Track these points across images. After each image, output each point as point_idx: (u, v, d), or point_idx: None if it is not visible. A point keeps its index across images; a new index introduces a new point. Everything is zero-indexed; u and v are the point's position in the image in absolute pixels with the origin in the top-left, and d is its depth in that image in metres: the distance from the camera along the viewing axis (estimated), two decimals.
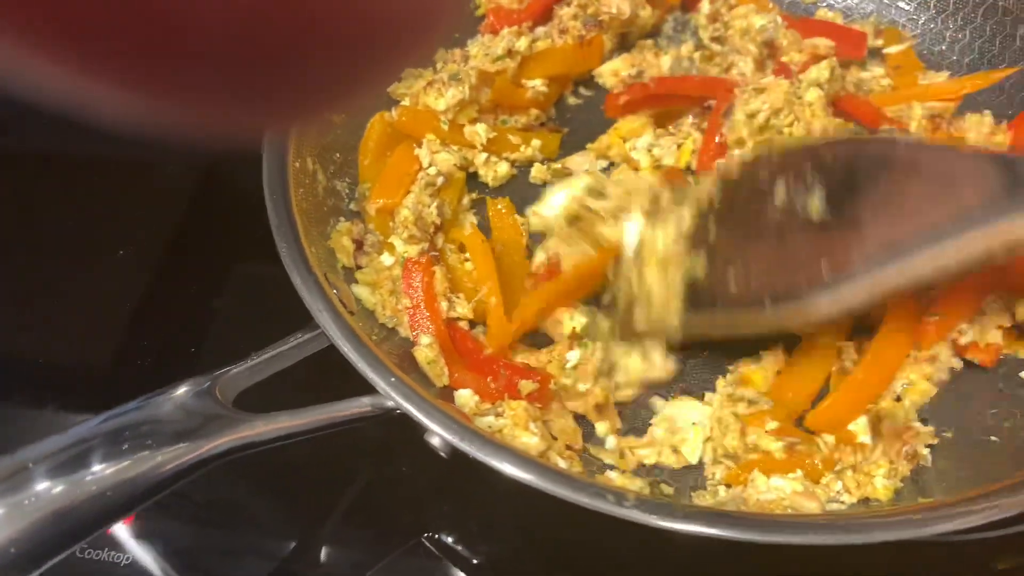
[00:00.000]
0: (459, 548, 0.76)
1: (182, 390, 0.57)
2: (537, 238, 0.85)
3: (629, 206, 0.83)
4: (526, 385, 0.68)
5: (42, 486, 0.51)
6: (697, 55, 0.97)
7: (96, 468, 0.52)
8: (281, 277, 0.90)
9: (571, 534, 0.74)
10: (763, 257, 0.71)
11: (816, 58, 0.93)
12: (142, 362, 0.87)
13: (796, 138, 0.81)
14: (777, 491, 0.64)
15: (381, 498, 0.79)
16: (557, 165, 0.93)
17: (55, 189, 1.02)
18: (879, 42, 0.98)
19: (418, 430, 0.67)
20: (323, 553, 0.75)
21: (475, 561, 0.76)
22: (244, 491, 0.77)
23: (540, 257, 0.83)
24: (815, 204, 0.69)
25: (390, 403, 0.61)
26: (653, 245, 0.73)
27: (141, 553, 0.71)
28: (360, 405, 0.62)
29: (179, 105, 0.18)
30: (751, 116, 0.82)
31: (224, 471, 0.76)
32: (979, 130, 0.87)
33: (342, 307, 0.67)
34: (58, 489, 0.50)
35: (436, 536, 0.76)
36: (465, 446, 0.58)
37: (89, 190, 1.02)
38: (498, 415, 0.66)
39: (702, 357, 0.78)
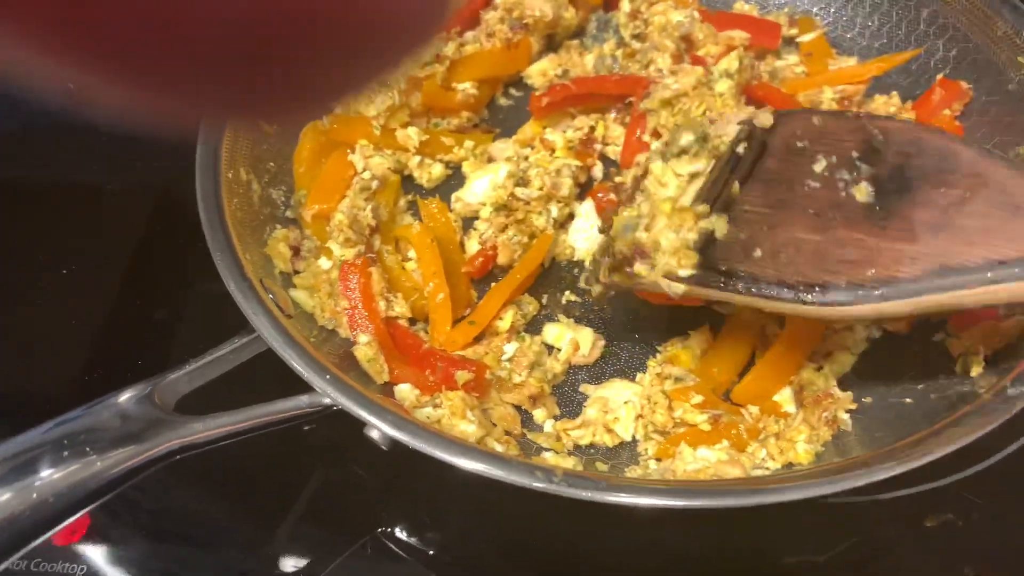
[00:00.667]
0: (412, 541, 0.78)
1: (124, 396, 0.59)
2: (466, 225, 0.89)
3: (556, 192, 0.87)
4: (462, 375, 0.70)
5: None
6: (619, 52, 1.01)
7: (43, 474, 0.53)
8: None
9: (522, 520, 0.76)
10: (796, 237, 0.64)
11: (732, 50, 0.97)
12: (90, 379, 0.88)
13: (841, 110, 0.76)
14: (703, 461, 0.67)
15: (333, 498, 0.81)
16: (479, 150, 0.96)
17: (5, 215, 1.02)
18: (794, 31, 1.03)
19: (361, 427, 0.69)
20: (278, 556, 0.76)
21: (430, 552, 0.78)
22: (196, 497, 0.78)
23: (474, 248, 0.86)
24: (862, 190, 0.64)
25: (327, 400, 0.63)
26: (665, 183, 0.68)
27: (97, 564, 0.72)
28: (298, 403, 0.64)
29: (178, 100, 0.18)
30: (665, 103, 0.86)
31: (175, 477, 0.78)
32: (886, 110, 0.91)
33: (278, 311, 0.69)
34: (4, 497, 0.52)
35: (389, 530, 0.78)
36: (400, 435, 0.60)
37: (38, 215, 1.02)
38: (436, 406, 0.69)
39: (633, 339, 0.81)
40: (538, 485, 0.57)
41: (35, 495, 0.52)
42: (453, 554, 0.78)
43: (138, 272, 0.96)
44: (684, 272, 0.65)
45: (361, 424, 0.72)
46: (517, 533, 0.78)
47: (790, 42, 1.02)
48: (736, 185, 0.67)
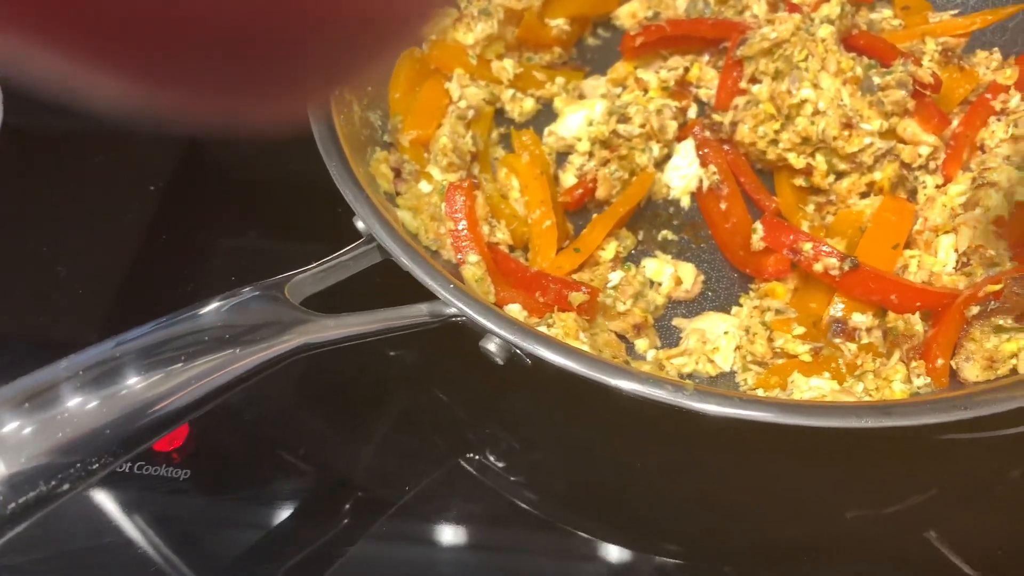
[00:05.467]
0: (500, 466, 0.78)
1: (255, 293, 0.58)
2: (557, 159, 0.89)
3: (660, 133, 0.86)
4: (576, 296, 0.70)
5: (75, 401, 0.51)
6: None
7: (130, 381, 0.52)
8: (264, 250, 0.90)
9: (610, 453, 0.76)
10: None
11: None
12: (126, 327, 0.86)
13: None
14: (817, 390, 0.67)
15: (421, 420, 0.81)
16: (570, 86, 0.95)
17: (32, 163, 1.00)
18: None
19: (454, 353, 0.68)
20: (371, 471, 0.76)
21: (513, 479, 0.78)
22: (290, 409, 0.78)
23: (570, 180, 0.86)
24: None
25: (450, 310, 0.63)
26: None
27: (200, 468, 0.72)
28: (419, 311, 0.63)
29: (172, 92, 0.18)
30: (764, 52, 0.85)
31: (273, 387, 0.78)
32: (988, 65, 0.90)
33: (397, 224, 0.68)
34: (151, 379, 0.51)
35: (476, 457, 0.78)
36: (530, 345, 0.59)
37: (67, 164, 1.01)
38: (549, 326, 0.68)
39: (728, 276, 0.81)
40: (668, 397, 0.57)
41: (181, 379, 0.52)
42: (542, 484, 0.78)
43: (165, 216, 0.95)
44: None
45: (447, 349, 0.72)
46: (607, 467, 0.78)
47: None
48: None
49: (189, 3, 0.16)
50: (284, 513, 0.71)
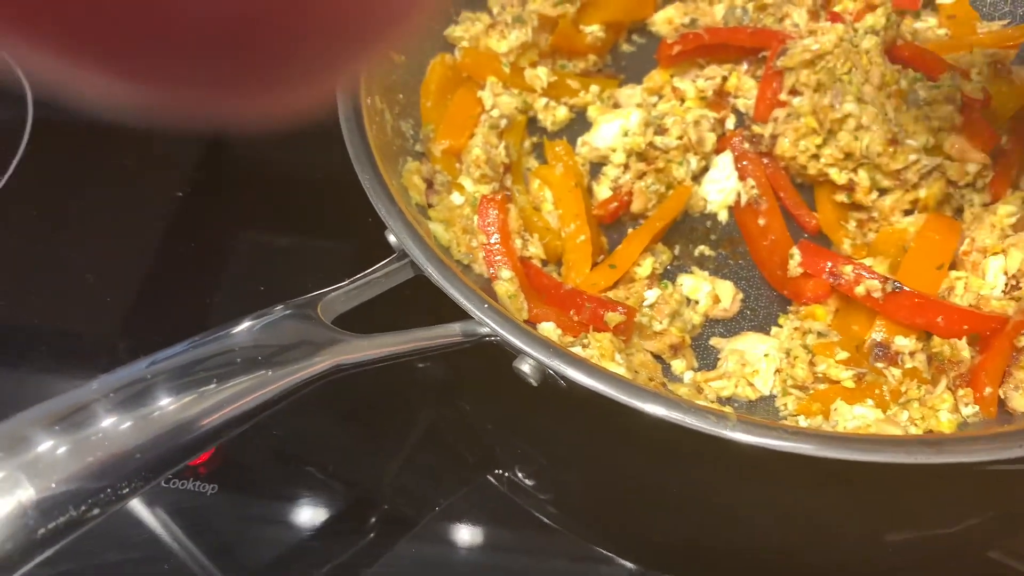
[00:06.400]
0: (530, 484, 0.76)
1: (286, 312, 0.57)
2: (593, 171, 0.87)
3: (699, 145, 0.84)
4: (613, 317, 0.68)
5: (109, 421, 0.50)
6: (751, 4, 0.97)
7: (162, 402, 0.51)
8: (287, 246, 0.89)
9: (642, 473, 0.75)
10: None
11: (870, 7, 0.93)
12: (150, 329, 0.86)
13: None
14: (861, 419, 0.65)
15: (449, 436, 0.80)
16: (605, 95, 0.93)
17: (53, 155, 0.99)
18: None
19: (483, 368, 0.67)
20: (398, 487, 0.75)
21: (542, 497, 0.77)
22: (316, 422, 0.77)
23: (604, 192, 0.84)
24: None
25: (483, 329, 0.61)
26: None
27: (228, 483, 0.71)
28: (452, 331, 0.62)
29: (163, 91, 0.18)
30: (805, 63, 0.83)
31: (301, 404, 0.77)
32: None
33: (429, 239, 0.67)
34: (126, 424, 0.50)
35: (505, 474, 0.77)
36: (566, 370, 0.58)
37: (89, 156, 1.00)
38: (584, 346, 0.67)
39: (767, 295, 0.79)
40: (711, 429, 0.55)
41: (215, 400, 0.51)
42: (572, 503, 0.77)
43: (191, 220, 0.94)
44: None
45: (476, 364, 0.70)
46: (637, 487, 0.76)
47: (929, 3, 0.99)
48: None
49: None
50: (310, 529, 0.70)
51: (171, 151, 0.99)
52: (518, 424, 0.79)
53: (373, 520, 0.72)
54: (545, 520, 0.74)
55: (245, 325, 0.55)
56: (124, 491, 0.48)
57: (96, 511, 0.47)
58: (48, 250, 0.91)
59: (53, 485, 0.47)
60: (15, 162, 0.95)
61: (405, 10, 0.19)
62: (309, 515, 0.71)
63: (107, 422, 0.49)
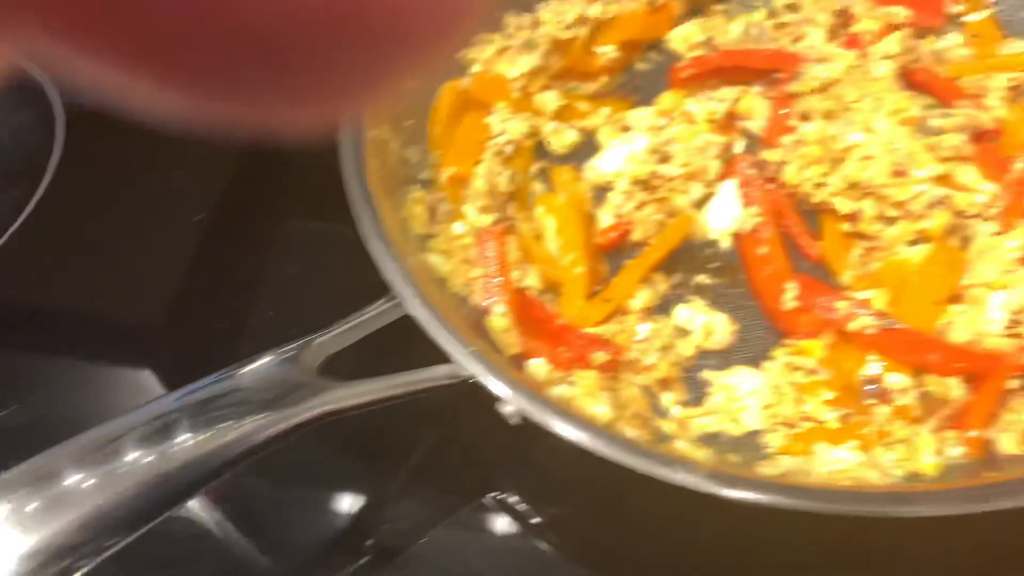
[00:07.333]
0: (525, 509, 0.79)
1: (268, 359, 0.61)
2: (597, 194, 0.88)
3: (701, 173, 0.85)
4: (599, 356, 0.70)
5: (134, 455, 0.55)
6: (769, 23, 0.96)
7: (181, 438, 0.56)
8: (332, 234, 0.92)
9: (636, 498, 0.76)
10: None
11: (891, 27, 0.91)
12: (193, 318, 0.92)
13: None
14: (841, 463, 0.66)
15: (446, 459, 0.82)
16: (615, 117, 0.94)
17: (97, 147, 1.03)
18: (959, 8, 0.96)
19: (483, 396, 0.69)
20: (393, 510, 0.79)
21: (537, 520, 0.79)
22: (318, 452, 0.81)
23: (606, 220, 0.85)
24: None
25: (465, 372, 0.64)
26: None
27: (226, 511, 0.75)
28: (436, 374, 0.65)
29: (206, 99, 0.18)
30: (816, 89, 0.82)
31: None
32: None
33: (419, 278, 0.69)
34: (148, 459, 0.54)
35: (502, 496, 0.79)
36: (541, 418, 0.60)
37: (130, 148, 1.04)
38: (570, 384, 0.69)
39: (761, 327, 0.79)
40: (679, 479, 0.57)
41: (183, 456, 0.54)
42: (564, 529, 0.79)
43: (227, 212, 0.98)
44: None
45: (477, 390, 0.73)
46: (632, 513, 0.78)
47: (954, 20, 0.96)
48: None
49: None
50: (302, 553, 0.74)
51: (190, 181, 1.03)
52: (513, 450, 0.81)
53: (368, 543, 0.75)
54: (539, 545, 0.77)
55: (229, 374, 0.58)
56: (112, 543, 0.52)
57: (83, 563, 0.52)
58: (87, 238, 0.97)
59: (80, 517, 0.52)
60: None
61: (454, 19, 0.19)
62: (299, 540, 0.74)
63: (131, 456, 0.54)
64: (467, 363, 0.63)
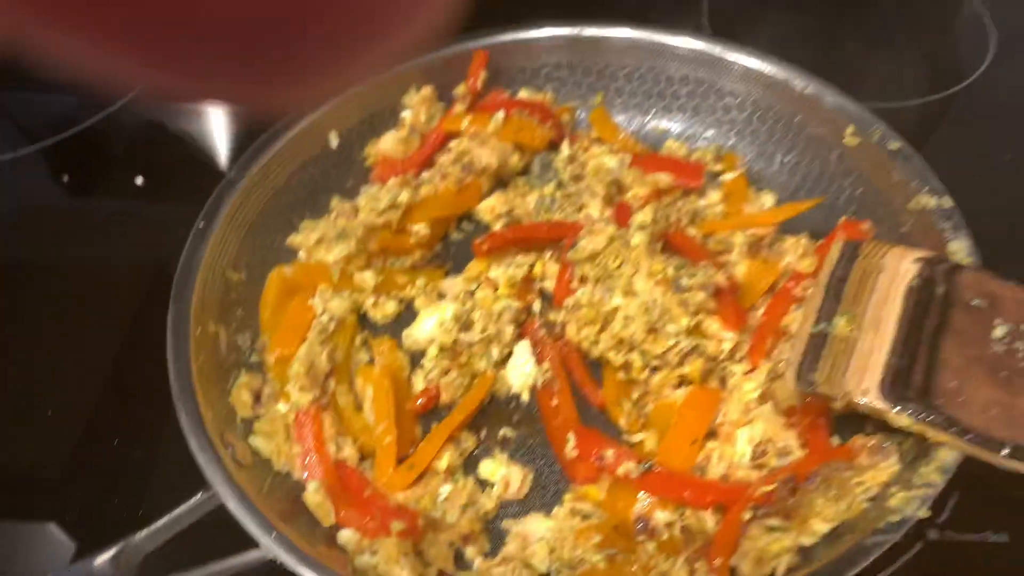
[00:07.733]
0: None
1: (89, 563, 0.69)
2: (414, 359, 0.99)
3: (498, 337, 0.97)
4: (396, 525, 0.80)
5: None
6: (559, 193, 1.11)
7: None
8: None
9: None
10: (991, 395, 0.75)
11: (658, 192, 1.07)
12: (92, 473, 0.97)
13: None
14: None
15: None
16: (430, 287, 1.05)
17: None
18: (719, 167, 1.13)
19: None
20: None
21: None
22: None
23: (421, 385, 0.96)
24: None
25: (271, 555, 0.73)
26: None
27: None
28: (247, 560, 0.73)
29: (182, 74, 0.19)
30: (586, 257, 0.96)
31: None
32: (795, 252, 1.01)
33: (234, 467, 0.79)
34: None
35: None
36: None
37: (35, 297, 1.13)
38: (373, 553, 0.78)
39: (557, 472, 0.90)
40: None
41: None
42: None
43: (127, 364, 1.06)
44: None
45: None
46: None
47: (716, 177, 1.12)
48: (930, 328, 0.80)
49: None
50: None
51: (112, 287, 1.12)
52: None
53: None
54: None
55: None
56: None
57: None
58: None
59: None
60: None
61: (416, 10, 0.21)
62: None
63: None
64: (271, 547, 0.72)
